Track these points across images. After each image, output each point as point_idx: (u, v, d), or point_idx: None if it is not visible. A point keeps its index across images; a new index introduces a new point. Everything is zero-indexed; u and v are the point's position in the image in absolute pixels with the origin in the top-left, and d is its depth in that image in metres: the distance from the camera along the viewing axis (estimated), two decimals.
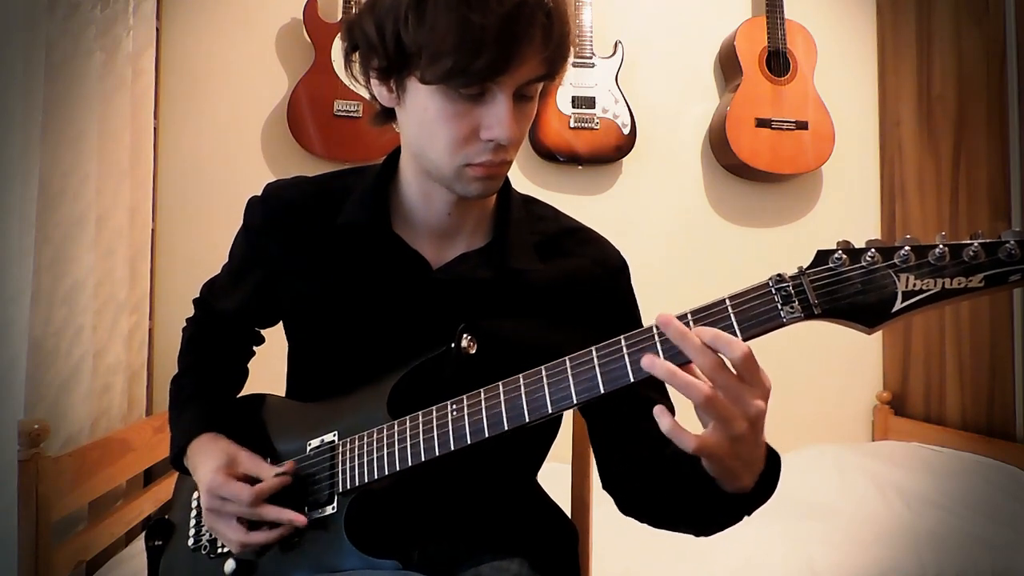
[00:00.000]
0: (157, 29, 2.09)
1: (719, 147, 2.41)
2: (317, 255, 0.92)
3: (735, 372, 0.64)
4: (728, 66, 2.44)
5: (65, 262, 1.60)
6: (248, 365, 1.11)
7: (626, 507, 0.89)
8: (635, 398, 0.81)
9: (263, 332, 1.11)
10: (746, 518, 0.76)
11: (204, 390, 1.02)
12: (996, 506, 1.78)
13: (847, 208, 2.55)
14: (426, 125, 0.80)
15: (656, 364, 0.65)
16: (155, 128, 2.11)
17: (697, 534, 0.81)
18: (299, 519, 0.83)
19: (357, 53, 0.83)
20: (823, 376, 2.51)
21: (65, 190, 1.61)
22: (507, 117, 0.76)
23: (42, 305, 1.54)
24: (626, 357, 0.69)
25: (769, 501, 0.75)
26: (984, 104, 2.16)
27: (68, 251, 1.61)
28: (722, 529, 0.78)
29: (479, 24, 0.70)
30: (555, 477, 1.14)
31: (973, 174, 2.20)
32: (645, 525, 0.87)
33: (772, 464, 0.72)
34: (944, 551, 1.56)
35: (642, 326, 0.71)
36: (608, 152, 2.32)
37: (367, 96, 0.87)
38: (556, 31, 0.76)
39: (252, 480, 0.87)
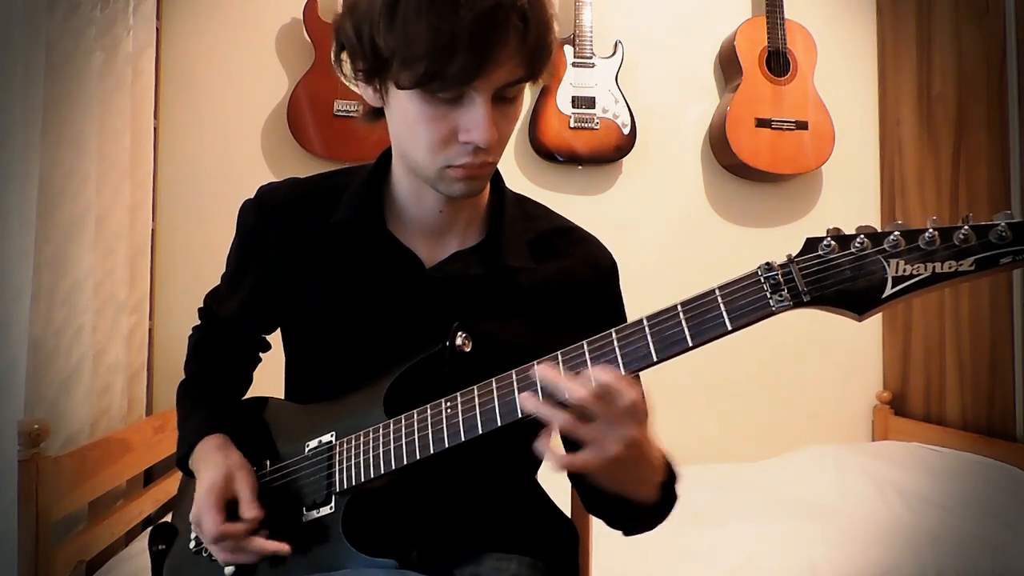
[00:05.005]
0: (157, 29, 2.09)
1: (719, 147, 2.41)
2: (311, 255, 0.92)
3: (605, 402, 0.68)
4: (728, 66, 2.44)
5: (65, 262, 1.60)
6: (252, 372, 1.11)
7: (585, 505, 0.97)
8: None
9: (268, 339, 1.10)
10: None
11: (210, 395, 1.02)
12: (996, 506, 1.78)
13: (847, 208, 2.55)
14: (407, 127, 0.80)
15: (528, 401, 0.71)
16: (155, 128, 2.11)
17: (625, 533, 0.90)
18: (282, 549, 0.84)
19: (345, 53, 0.82)
20: (823, 376, 2.51)
21: (65, 190, 1.61)
22: (485, 120, 0.75)
23: (42, 305, 1.54)
24: (617, 351, 0.70)
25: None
26: (984, 104, 2.16)
27: (68, 251, 1.61)
28: (644, 531, 0.88)
29: (451, 28, 0.69)
30: (555, 477, 1.13)
31: (973, 174, 2.20)
32: None
33: (671, 476, 0.81)
34: (944, 551, 1.56)
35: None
36: (608, 152, 2.32)
37: None
38: (533, 32, 0.73)
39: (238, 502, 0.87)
